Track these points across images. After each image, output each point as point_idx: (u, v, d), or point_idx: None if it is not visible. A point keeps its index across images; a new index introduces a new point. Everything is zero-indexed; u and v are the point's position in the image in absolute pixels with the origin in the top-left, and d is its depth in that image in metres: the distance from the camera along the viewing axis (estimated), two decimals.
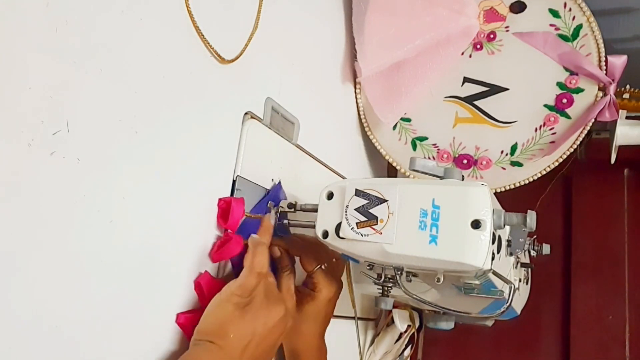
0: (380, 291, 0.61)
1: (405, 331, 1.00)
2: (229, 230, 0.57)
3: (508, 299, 0.54)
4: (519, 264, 0.74)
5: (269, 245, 0.59)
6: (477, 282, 0.56)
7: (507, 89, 0.86)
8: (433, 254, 0.50)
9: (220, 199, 0.57)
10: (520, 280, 0.77)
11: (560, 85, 0.83)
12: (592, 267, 1.04)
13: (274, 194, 0.65)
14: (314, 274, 0.63)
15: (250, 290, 0.53)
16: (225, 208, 0.57)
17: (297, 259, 0.65)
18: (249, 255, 0.56)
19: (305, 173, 0.73)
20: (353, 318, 0.87)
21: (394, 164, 0.91)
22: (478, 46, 0.87)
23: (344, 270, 0.74)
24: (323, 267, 0.63)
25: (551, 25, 0.83)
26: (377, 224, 0.53)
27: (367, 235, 0.53)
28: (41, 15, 0.38)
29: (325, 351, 0.67)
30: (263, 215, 0.61)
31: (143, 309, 0.48)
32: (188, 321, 0.52)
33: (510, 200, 0.73)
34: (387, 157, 0.91)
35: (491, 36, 0.87)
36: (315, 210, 0.57)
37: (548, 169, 0.83)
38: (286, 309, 0.56)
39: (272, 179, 0.66)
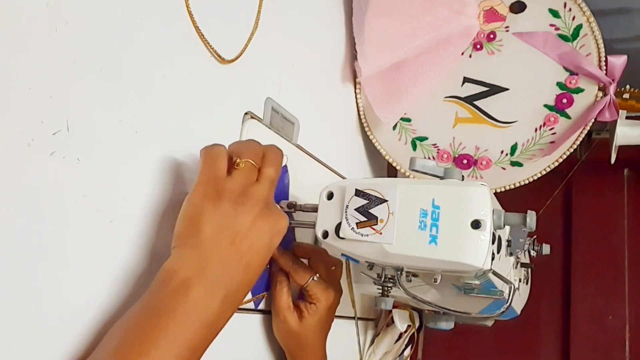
0: (380, 291, 0.61)
1: (405, 331, 1.00)
2: None
3: (508, 299, 0.54)
4: (519, 264, 0.74)
5: None
6: (477, 282, 0.56)
7: (507, 89, 0.86)
8: (433, 254, 0.50)
9: None
10: (520, 280, 0.77)
11: (560, 85, 0.83)
12: (592, 267, 1.04)
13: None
14: (308, 286, 0.63)
15: (220, 177, 0.45)
16: None
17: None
18: (230, 145, 0.48)
19: (305, 173, 0.73)
20: (353, 318, 0.87)
21: (394, 164, 0.91)
22: (478, 46, 0.87)
23: (343, 273, 0.74)
24: (315, 278, 0.63)
25: (551, 25, 0.83)
26: (377, 224, 0.53)
27: (367, 235, 0.53)
28: (41, 15, 0.38)
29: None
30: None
31: None
32: None
33: (511, 200, 0.73)
34: (387, 157, 0.91)
35: (491, 36, 0.87)
36: (315, 210, 0.57)
37: (548, 169, 0.83)
38: (275, 207, 0.47)
39: (286, 157, 0.66)
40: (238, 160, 0.46)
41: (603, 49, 0.80)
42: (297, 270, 0.63)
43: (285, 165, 0.67)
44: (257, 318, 0.65)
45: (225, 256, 0.42)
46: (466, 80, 0.88)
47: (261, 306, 0.65)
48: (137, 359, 0.37)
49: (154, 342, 0.38)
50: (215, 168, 0.45)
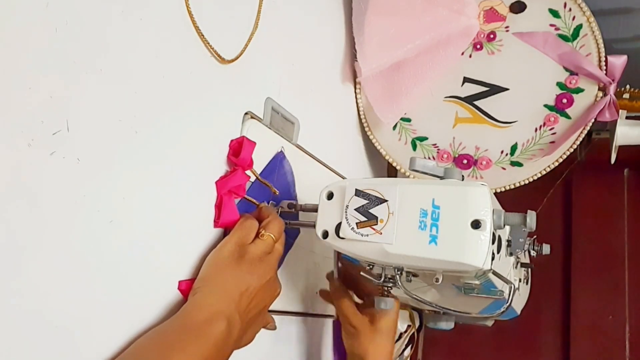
0: (380, 291, 0.61)
1: (405, 331, 1.00)
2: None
3: (508, 299, 0.54)
4: (519, 264, 0.74)
5: None
6: (477, 282, 0.56)
7: (507, 89, 0.86)
8: (433, 254, 0.50)
9: (232, 140, 0.58)
10: (520, 280, 0.77)
11: (560, 85, 0.83)
12: (592, 267, 1.04)
13: (275, 166, 0.65)
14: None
15: (246, 243, 0.55)
16: (237, 148, 0.58)
17: None
18: (255, 213, 0.59)
19: (305, 173, 0.73)
20: None
21: (394, 164, 0.91)
22: (478, 46, 0.87)
23: None
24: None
25: (551, 25, 0.83)
26: (377, 224, 0.53)
27: (367, 235, 0.53)
28: (41, 15, 0.38)
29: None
30: (260, 204, 0.62)
31: (144, 306, 0.48)
32: (189, 287, 0.52)
33: (511, 200, 0.73)
34: (387, 157, 0.91)
35: (491, 36, 0.87)
36: (315, 210, 0.57)
37: (548, 169, 0.83)
38: (277, 279, 0.58)
39: (282, 148, 0.68)
40: (263, 232, 0.56)
41: (603, 49, 0.80)
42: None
43: (282, 151, 0.68)
44: None
45: (238, 305, 0.52)
46: (466, 80, 0.88)
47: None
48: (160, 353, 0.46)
49: (179, 350, 0.46)
50: (246, 237, 0.55)
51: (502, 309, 0.55)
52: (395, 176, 0.96)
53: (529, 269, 0.86)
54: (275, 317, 0.68)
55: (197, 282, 0.52)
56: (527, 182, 0.84)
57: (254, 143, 0.59)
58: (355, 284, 0.70)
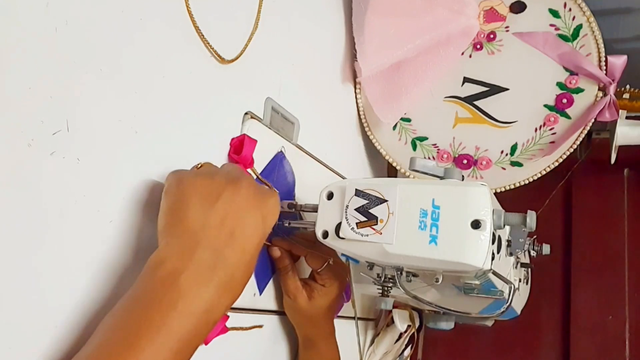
0: (380, 291, 0.61)
1: (405, 331, 1.00)
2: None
3: (508, 299, 0.54)
4: (519, 264, 0.74)
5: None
6: (477, 282, 0.56)
7: (507, 89, 0.86)
8: (433, 254, 0.50)
9: (233, 138, 0.58)
10: (520, 280, 0.77)
11: (560, 85, 0.83)
12: (592, 267, 1.04)
13: (275, 165, 0.65)
14: (322, 270, 0.65)
15: (213, 169, 0.45)
16: (237, 145, 0.58)
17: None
18: None
19: (305, 173, 0.73)
20: (353, 318, 0.87)
21: (394, 164, 0.91)
22: (478, 46, 0.87)
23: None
24: (331, 261, 0.65)
25: (551, 25, 0.83)
26: (377, 224, 0.53)
27: (367, 235, 0.53)
28: (41, 15, 0.38)
29: (334, 335, 0.71)
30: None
31: None
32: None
33: (510, 200, 0.73)
34: (387, 157, 0.91)
35: (491, 36, 0.87)
36: (315, 210, 0.57)
37: (548, 169, 0.83)
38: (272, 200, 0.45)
39: (282, 148, 0.68)
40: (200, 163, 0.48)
41: (603, 49, 0.80)
42: (313, 254, 0.65)
43: (282, 151, 0.68)
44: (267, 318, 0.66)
45: (216, 239, 0.38)
46: (466, 80, 0.88)
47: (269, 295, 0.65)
48: (122, 354, 0.34)
49: (139, 334, 0.35)
50: (189, 169, 0.45)
51: (502, 309, 0.55)
52: (395, 176, 0.96)
53: (529, 269, 0.86)
54: (275, 317, 0.68)
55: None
56: (527, 182, 0.85)
57: (255, 141, 0.59)
58: (312, 253, 0.66)
